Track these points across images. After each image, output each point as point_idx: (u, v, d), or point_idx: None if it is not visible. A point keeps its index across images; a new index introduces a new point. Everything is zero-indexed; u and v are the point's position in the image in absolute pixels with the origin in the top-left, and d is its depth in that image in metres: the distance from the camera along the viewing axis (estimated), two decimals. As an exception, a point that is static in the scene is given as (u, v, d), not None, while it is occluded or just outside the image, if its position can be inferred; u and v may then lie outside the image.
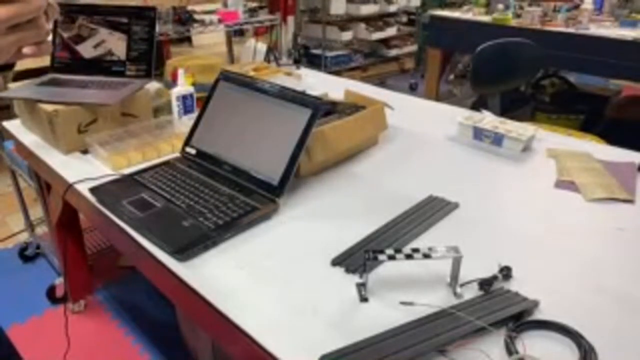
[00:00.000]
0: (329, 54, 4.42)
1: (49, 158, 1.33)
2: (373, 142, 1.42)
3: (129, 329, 1.81)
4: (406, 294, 0.82)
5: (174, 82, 1.63)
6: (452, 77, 4.62)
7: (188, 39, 4.00)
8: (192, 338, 1.60)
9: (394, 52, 5.03)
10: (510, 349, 0.70)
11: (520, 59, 2.43)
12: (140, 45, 1.52)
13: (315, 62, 4.34)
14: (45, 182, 1.61)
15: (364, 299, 0.81)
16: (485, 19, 3.35)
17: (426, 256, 0.81)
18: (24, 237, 2.22)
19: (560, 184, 1.20)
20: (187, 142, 1.27)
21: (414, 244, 0.95)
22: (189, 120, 1.37)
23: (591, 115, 3.14)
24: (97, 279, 1.96)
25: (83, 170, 1.24)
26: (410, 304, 0.78)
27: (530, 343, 0.71)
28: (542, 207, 1.11)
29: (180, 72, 1.55)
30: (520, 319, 0.75)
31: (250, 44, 3.07)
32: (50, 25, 0.51)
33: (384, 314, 0.76)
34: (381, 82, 4.82)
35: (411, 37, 5.15)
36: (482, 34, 3.13)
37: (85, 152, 1.34)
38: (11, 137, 1.51)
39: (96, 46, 1.53)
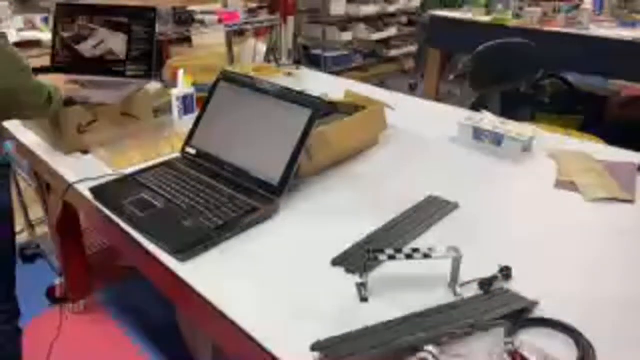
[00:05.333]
0: (329, 54, 4.41)
1: (49, 158, 1.33)
2: (373, 142, 1.42)
3: (129, 328, 1.81)
4: (406, 294, 0.82)
5: (174, 82, 1.63)
6: (452, 77, 4.62)
7: (188, 39, 4.00)
8: (192, 338, 1.60)
9: (393, 53, 5.03)
10: (509, 345, 0.70)
11: (520, 59, 2.43)
12: (140, 45, 1.51)
13: (315, 63, 4.34)
14: (45, 182, 1.61)
15: (364, 299, 0.81)
16: (485, 19, 3.35)
17: (426, 256, 0.81)
18: (24, 237, 2.22)
19: (560, 184, 1.20)
20: (187, 142, 1.27)
21: (414, 244, 0.95)
22: (189, 120, 1.38)
23: (591, 115, 3.14)
24: (97, 279, 1.96)
25: (83, 170, 1.24)
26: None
27: (530, 340, 0.71)
28: (542, 207, 1.11)
29: (180, 72, 1.56)
30: (519, 318, 0.76)
31: (251, 44, 3.06)
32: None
33: (384, 314, 0.76)
34: (381, 83, 4.81)
35: (411, 38, 5.15)
36: (482, 34, 3.13)
37: (85, 152, 1.34)
38: (11, 137, 1.51)
39: (96, 46, 1.53)
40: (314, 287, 0.84)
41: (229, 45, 3.08)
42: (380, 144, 1.43)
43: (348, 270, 0.88)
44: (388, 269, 0.87)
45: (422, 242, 0.96)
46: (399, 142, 1.45)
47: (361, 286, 0.83)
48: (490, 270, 0.85)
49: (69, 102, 1.29)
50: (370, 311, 0.78)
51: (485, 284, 0.82)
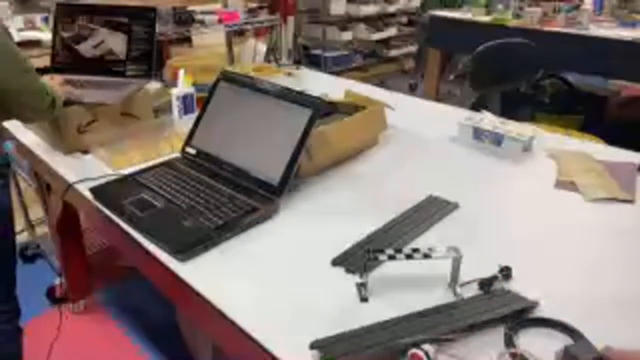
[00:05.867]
0: (329, 54, 4.41)
1: (49, 158, 1.33)
2: (373, 142, 1.42)
3: (129, 328, 1.81)
4: (406, 294, 0.82)
5: (174, 82, 1.63)
6: (452, 77, 4.62)
7: (188, 39, 4.00)
8: (192, 338, 1.60)
9: (393, 53, 5.03)
10: (509, 345, 0.70)
11: (520, 59, 2.43)
12: (140, 45, 1.51)
13: (315, 63, 4.34)
14: (45, 182, 1.61)
15: (364, 299, 0.81)
16: (485, 19, 3.35)
17: (426, 256, 0.81)
18: (24, 237, 2.22)
19: (560, 184, 1.20)
20: (187, 142, 1.27)
21: (414, 244, 0.95)
22: (189, 120, 1.38)
23: (591, 115, 3.14)
24: (97, 279, 1.96)
25: (83, 170, 1.24)
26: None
27: (530, 340, 0.72)
28: (542, 207, 1.11)
29: (181, 72, 1.56)
30: (519, 318, 0.76)
31: (251, 44, 3.06)
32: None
33: (383, 314, 0.76)
34: (381, 82, 4.81)
35: (411, 38, 5.15)
36: (482, 34, 3.13)
37: (85, 152, 1.34)
38: (11, 137, 1.51)
39: (96, 46, 1.53)
40: (314, 287, 0.84)
41: (229, 45, 3.08)
42: (380, 144, 1.43)
43: (348, 270, 0.88)
44: (388, 269, 0.87)
45: (422, 242, 0.96)
46: (399, 142, 1.45)
47: (361, 286, 0.83)
48: (490, 270, 0.85)
49: (68, 102, 1.29)
50: (370, 311, 0.78)
51: (485, 284, 0.82)
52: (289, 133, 1.10)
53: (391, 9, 4.83)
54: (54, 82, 1.30)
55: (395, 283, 0.85)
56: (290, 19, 3.32)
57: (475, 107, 2.01)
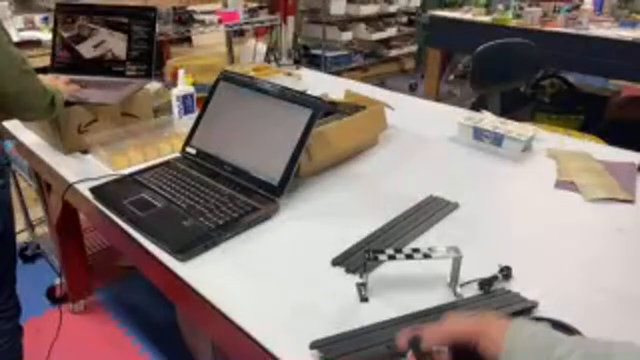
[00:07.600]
0: (329, 54, 4.42)
1: (49, 158, 1.33)
2: (373, 142, 1.42)
3: (129, 328, 1.81)
4: (406, 294, 0.82)
5: (174, 82, 1.63)
6: (452, 77, 4.62)
7: (188, 39, 4.01)
8: (192, 338, 1.60)
9: (393, 53, 5.04)
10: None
11: (520, 59, 2.43)
12: (140, 45, 1.51)
13: (315, 62, 4.34)
14: (45, 182, 1.62)
15: (364, 299, 0.81)
16: (485, 19, 3.35)
17: (426, 256, 0.81)
18: (24, 237, 2.22)
19: (560, 184, 1.20)
20: (188, 142, 1.27)
21: (414, 244, 0.95)
22: (189, 120, 1.37)
23: (591, 115, 3.14)
24: (97, 279, 1.96)
25: (83, 170, 1.24)
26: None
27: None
28: (542, 207, 1.11)
29: (181, 72, 1.55)
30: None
31: (251, 44, 3.07)
32: None
33: (384, 314, 0.76)
34: (381, 82, 4.82)
35: (411, 38, 5.16)
36: (482, 34, 3.13)
37: (85, 152, 1.34)
38: (11, 137, 1.51)
39: (96, 46, 1.53)
40: (314, 287, 0.84)
41: (229, 45, 3.08)
42: (380, 143, 1.43)
43: (348, 270, 0.88)
44: (388, 269, 0.87)
45: (422, 242, 0.96)
46: (399, 142, 1.45)
47: (361, 286, 0.83)
48: (490, 270, 0.85)
49: (69, 102, 1.29)
50: (371, 311, 0.78)
51: (485, 284, 0.82)
52: (289, 133, 1.10)
53: (391, 9, 4.83)
54: (58, 82, 1.30)
55: (395, 283, 0.85)
56: (290, 19, 3.32)
57: (475, 107, 2.01)
